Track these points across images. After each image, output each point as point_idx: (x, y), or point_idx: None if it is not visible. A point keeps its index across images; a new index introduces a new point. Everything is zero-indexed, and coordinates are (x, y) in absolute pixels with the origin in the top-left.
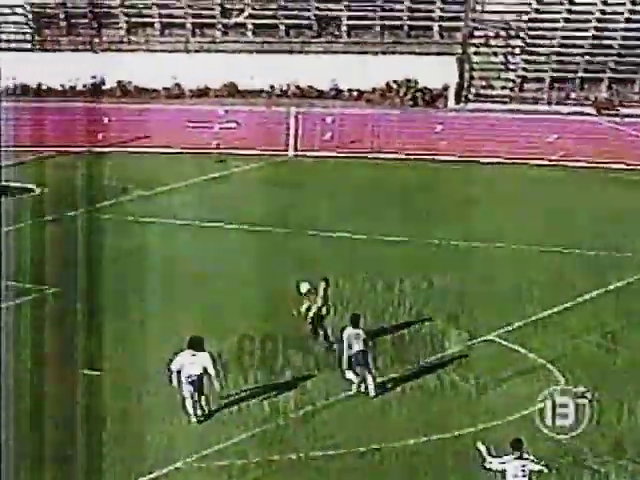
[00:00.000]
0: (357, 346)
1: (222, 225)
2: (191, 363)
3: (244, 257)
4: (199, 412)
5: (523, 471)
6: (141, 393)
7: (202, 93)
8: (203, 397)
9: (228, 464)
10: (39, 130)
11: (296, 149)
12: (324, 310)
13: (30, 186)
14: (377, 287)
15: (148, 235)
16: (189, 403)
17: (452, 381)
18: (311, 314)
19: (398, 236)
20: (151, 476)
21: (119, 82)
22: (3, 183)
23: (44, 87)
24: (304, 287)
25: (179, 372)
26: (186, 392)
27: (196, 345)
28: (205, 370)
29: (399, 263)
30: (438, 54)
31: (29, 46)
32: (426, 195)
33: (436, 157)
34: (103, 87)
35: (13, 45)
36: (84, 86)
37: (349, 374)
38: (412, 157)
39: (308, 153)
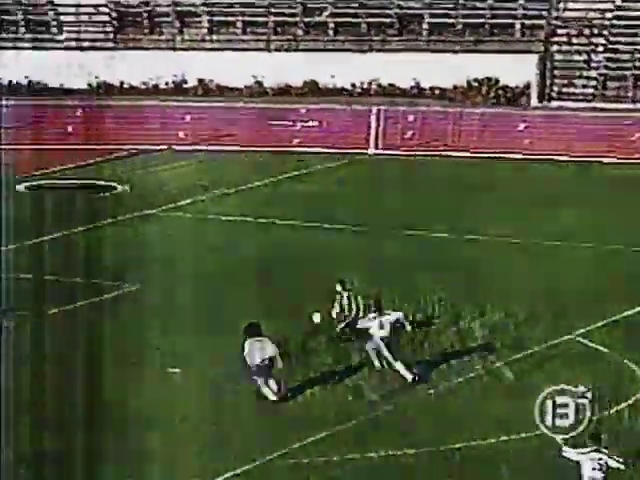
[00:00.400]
0: (383, 332)
1: (303, 224)
2: (257, 349)
3: (323, 255)
4: (274, 395)
5: (600, 465)
6: (220, 391)
7: (283, 91)
8: (272, 380)
9: (308, 462)
10: (121, 128)
11: (377, 147)
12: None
13: (112, 184)
14: (459, 285)
15: (228, 233)
16: (263, 387)
17: (532, 380)
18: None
19: (479, 235)
20: (231, 473)
21: (200, 80)
22: (86, 181)
23: (126, 85)
24: (317, 317)
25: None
26: (258, 379)
27: (256, 331)
28: (271, 354)
29: (480, 261)
30: (520, 52)
31: (112, 45)
32: (509, 194)
33: (519, 155)
34: (185, 85)
35: (97, 44)
36: (166, 84)
37: (397, 365)
38: (495, 155)
39: (389, 151)
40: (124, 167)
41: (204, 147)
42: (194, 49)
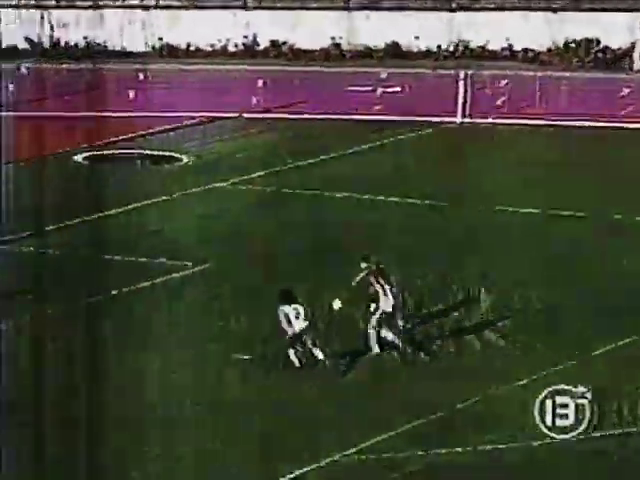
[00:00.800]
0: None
1: (382, 198)
2: (295, 318)
3: (402, 232)
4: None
5: None
6: (293, 380)
7: (362, 54)
8: (314, 347)
9: (389, 457)
10: (186, 94)
11: (465, 115)
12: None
13: (177, 155)
14: (549, 265)
15: (304, 208)
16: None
17: (628, 370)
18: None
19: (574, 211)
20: (308, 468)
21: (273, 42)
22: (149, 152)
23: (192, 48)
24: (336, 304)
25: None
26: (293, 348)
27: (290, 298)
28: (308, 323)
29: (574, 240)
30: (624, 10)
31: (178, 3)
32: (610, 166)
33: (621, 124)
34: (256, 48)
35: (161, 2)
36: (235, 46)
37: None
38: (594, 124)
39: (478, 120)
40: (190, 136)
41: (277, 115)
42: (267, 8)
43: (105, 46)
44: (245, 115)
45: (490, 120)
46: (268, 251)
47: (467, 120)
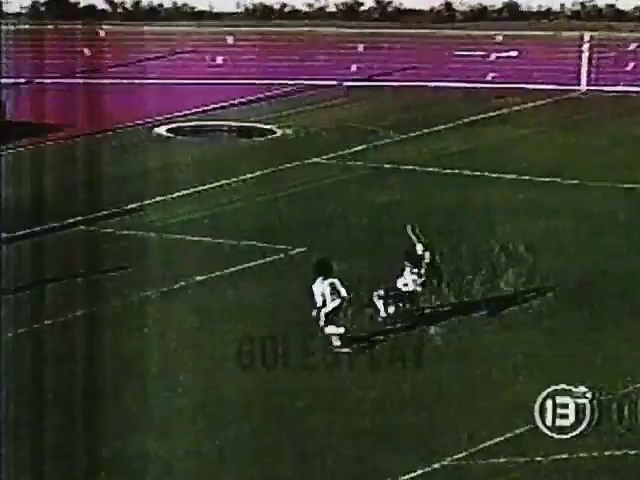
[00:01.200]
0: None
1: (496, 175)
2: (331, 294)
3: (507, 212)
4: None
5: None
6: (404, 372)
7: (476, 15)
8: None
9: (489, 463)
10: (281, 59)
11: (590, 83)
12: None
13: (270, 127)
14: None
15: (406, 185)
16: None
17: None
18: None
19: None
20: (414, 474)
21: (378, 2)
22: (238, 123)
23: (288, 9)
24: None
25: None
26: (329, 326)
27: (327, 270)
28: (342, 298)
29: None
30: None
31: None
32: None
33: None
34: (358, 8)
35: None
36: (336, 6)
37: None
38: None
39: (605, 88)
40: (284, 106)
41: (379, 83)
42: None
43: (192, 7)
44: (345, 83)
45: (619, 88)
46: (371, 235)
47: (593, 88)
